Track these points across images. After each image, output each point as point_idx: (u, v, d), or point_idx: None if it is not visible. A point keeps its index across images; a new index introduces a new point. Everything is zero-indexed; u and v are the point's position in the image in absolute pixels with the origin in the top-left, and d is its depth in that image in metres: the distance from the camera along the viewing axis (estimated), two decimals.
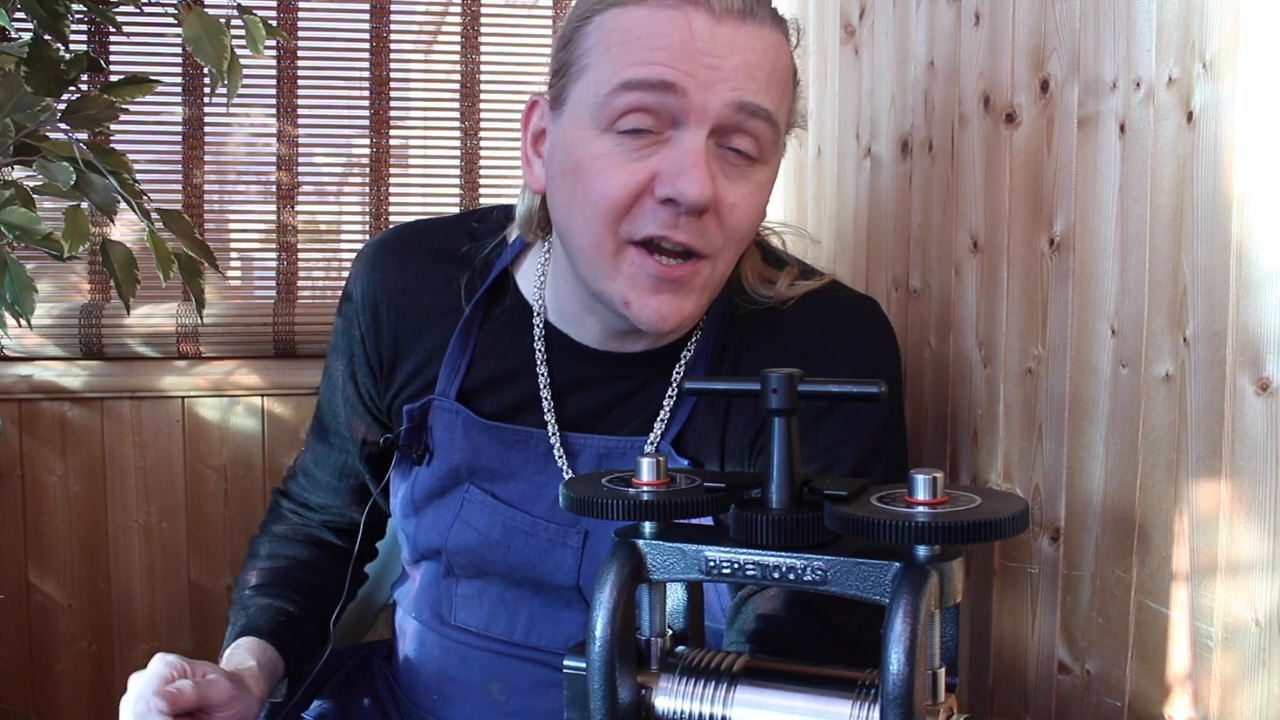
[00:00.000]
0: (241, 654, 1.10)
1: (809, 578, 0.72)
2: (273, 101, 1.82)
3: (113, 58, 1.76)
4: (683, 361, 1.06)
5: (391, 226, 1.20)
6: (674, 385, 1.06)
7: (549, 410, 1.08)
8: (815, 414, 1.04)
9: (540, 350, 1.09)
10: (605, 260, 0.96)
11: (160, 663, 0.98)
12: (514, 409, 1.09)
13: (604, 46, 0.95)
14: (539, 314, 1.10)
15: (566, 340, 1.08)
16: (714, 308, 1.06)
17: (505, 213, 1.16)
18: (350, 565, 1.20)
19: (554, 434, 1.07)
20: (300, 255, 1.85)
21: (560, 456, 1.07)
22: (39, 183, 1.25)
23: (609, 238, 0.95)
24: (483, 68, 1.87)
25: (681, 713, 0.75)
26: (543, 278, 1.10)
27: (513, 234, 1.13)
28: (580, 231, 0.97)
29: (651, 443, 1.05)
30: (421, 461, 1.11)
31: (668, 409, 1.06)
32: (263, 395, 1.80)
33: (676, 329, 0.99)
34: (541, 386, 1.08)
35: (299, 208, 1.85)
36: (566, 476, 1.06)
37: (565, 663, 0.77)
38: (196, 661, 1.00)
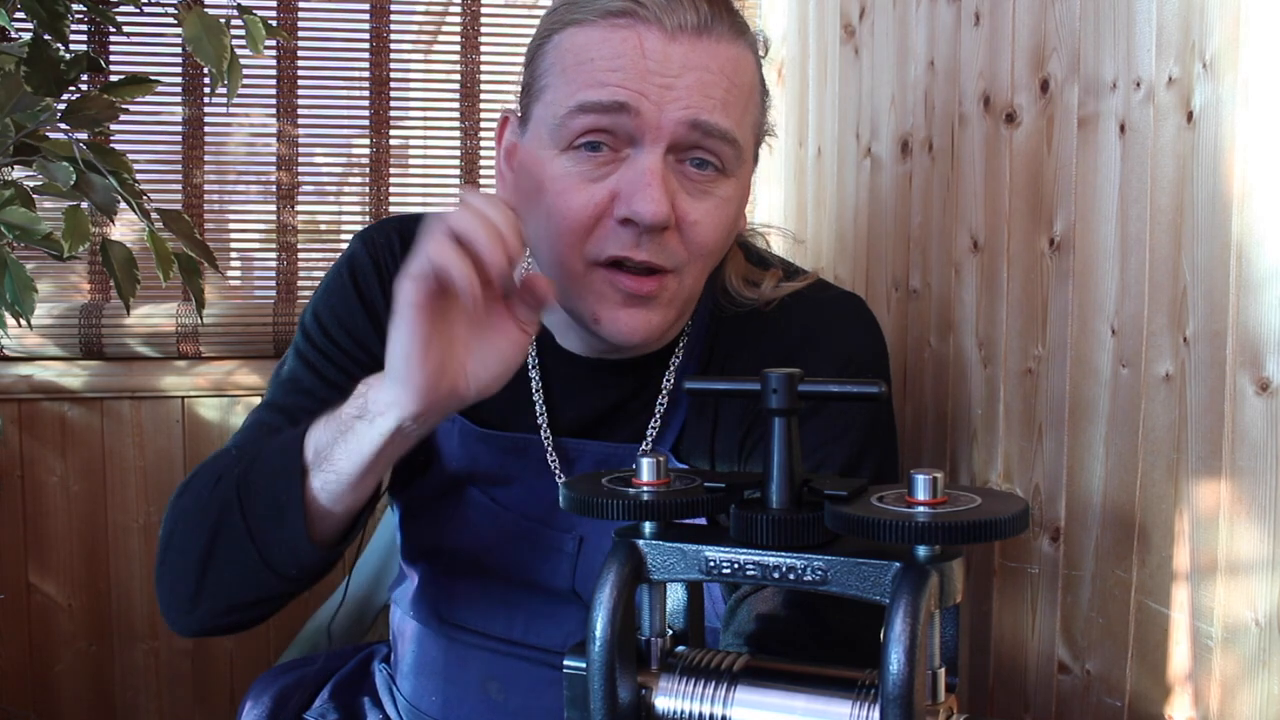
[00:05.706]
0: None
1: (809, 578, 0.72)
2: (273, 101, 1.82)
3: (113, 58, 1.75)
4: (672, 368, 1.06)
5: (385, 219, 1.17)
6: (664, 392, 1.06)
7: (542, 416, 1.07)
8: (804, 413, 1.03)
9: (532, 354, 1.09)
10: (574, 280, 0.97)
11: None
12: (510, 413, 1.08)
13: (560, 68, 0.95)
14: None
15: (556, 346, 1.08)
16: (699, 311, 1.06)
17: None
18: (354, 559, 1.18)
19: (547, 440, 1.07)
20: (300, 255, 1.85)
21: (554, 463, 1.07)
22: (39, 183, 1.25)
23: (574, 258, 0.96)
24: (483, 68, 1.87)
25: (681, 713, 0.74)
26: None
27: None
28: (547, 251, 0.97)
29: (644, 449, 1.05)
30: (425, 471, 1.11)
31: (659, 415, 1.06)
32: (262, 395, 1.79)
33: (646, 341, 1.00)
34: (534, 391, 1.08)
35: (299, 208, 1.84)
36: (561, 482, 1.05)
37: (565, 663, 0.77)
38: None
